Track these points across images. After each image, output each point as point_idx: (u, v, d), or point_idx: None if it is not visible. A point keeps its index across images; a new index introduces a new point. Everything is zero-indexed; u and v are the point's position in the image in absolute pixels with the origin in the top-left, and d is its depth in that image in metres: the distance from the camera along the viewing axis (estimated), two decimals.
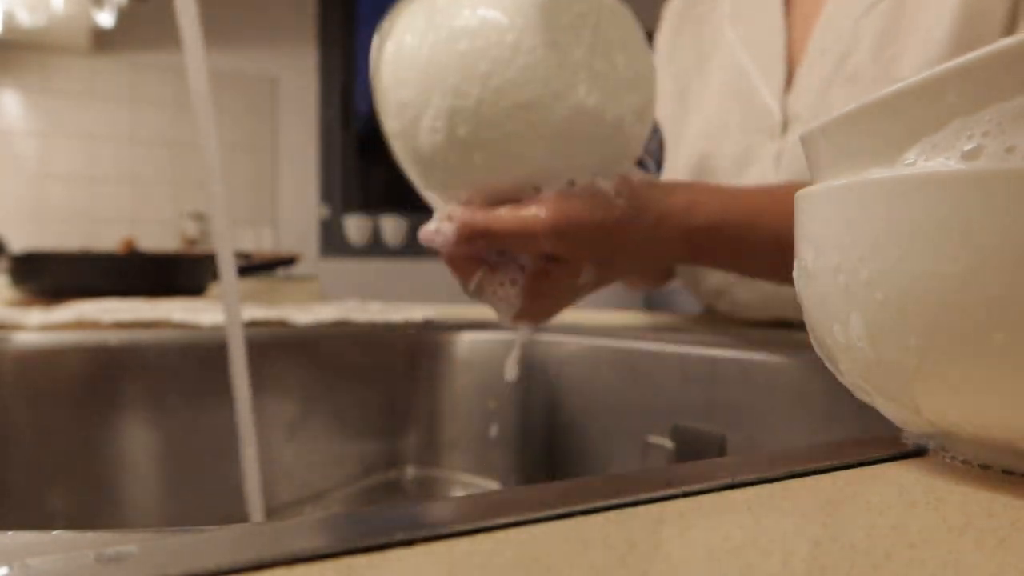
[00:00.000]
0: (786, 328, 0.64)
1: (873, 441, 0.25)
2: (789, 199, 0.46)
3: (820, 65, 0.59)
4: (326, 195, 3.13)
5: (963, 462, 0.23)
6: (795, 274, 0.25)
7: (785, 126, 0.60)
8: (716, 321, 0.71)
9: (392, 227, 3.19)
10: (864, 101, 0.22)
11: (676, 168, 0.69)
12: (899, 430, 0.26)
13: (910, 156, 0.21)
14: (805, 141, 0.25)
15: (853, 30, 0.57)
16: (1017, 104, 0.18)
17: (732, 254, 0.50)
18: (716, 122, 0.65)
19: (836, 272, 0.22)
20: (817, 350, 0.25)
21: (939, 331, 0.19)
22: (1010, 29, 0.52)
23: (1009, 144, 0.18)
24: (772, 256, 0.47)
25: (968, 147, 0.19)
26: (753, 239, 0.47)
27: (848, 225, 0.22)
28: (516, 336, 0.53)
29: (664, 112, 0.71)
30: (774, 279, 0.53)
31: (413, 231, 3.27)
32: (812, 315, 0.24)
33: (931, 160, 0.20)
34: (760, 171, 0.61)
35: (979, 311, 0.19)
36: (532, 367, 0.79)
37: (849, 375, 0.24)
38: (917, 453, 0.24)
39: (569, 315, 0.85)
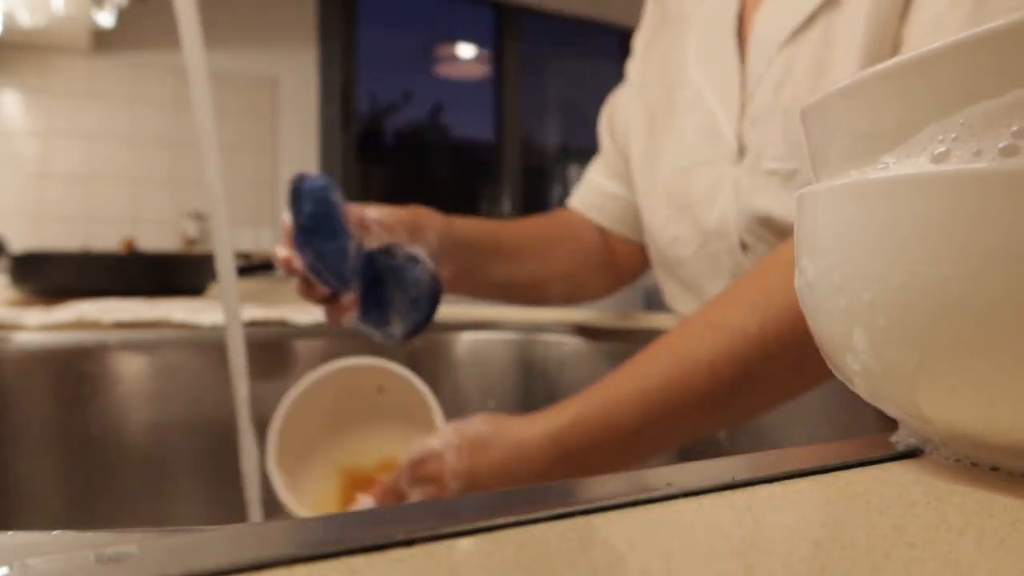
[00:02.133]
0: None
1: (873, 441, 0.25)
2: (655, 355, 0.47)
3: (760, 93, 0.60)
4: None
5: (963, 462, 0.23)
6: (796, 283, 0.25)
7: (740, 154, 0.61)
8: None
9: None
10: (831, 101, 0.22)
11: (653, 201, 0.70)
12: (899, 430, 0.26)
13: (888, 159, 0.21)
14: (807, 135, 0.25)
15: (781, 57, 0.58)
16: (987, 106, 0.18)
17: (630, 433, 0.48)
18: (689, 157, 0.66)
19: (834, 275, 0.22)
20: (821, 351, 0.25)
21: (938, 332, 0.19)
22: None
23: (977, 148, 0.19)
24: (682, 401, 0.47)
25: (940, 150, 0.19)
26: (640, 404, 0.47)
27: (839, 229, 0.22)
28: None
29: (637, 146, 0.73)
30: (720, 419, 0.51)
31: None
32: (813, 318, 0.24)
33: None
34: (725, 199, 0.62)
35: (977, 312, 0.19)
36: (532, 367, 0.79)
37: (850, 375, 0.24)
38: (917, 453, 0.24)
39: (569, 315, 0.85)
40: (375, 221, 0.56)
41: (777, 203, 0.57)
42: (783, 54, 0.58)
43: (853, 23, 0.53)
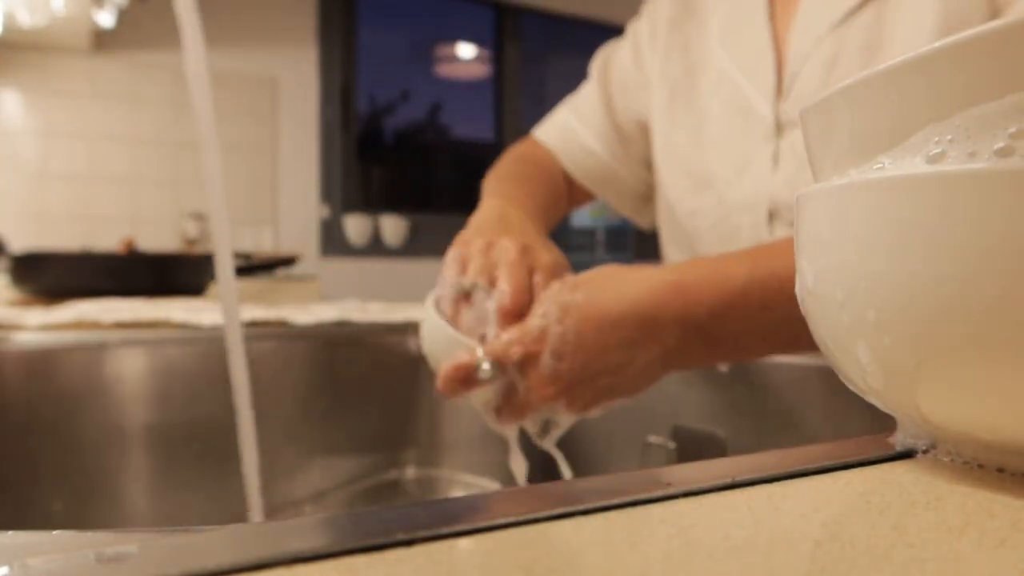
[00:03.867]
0: None
1: (873, 441, 0.25)
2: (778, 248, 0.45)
3: (807, 72, 0.60)
4: (326, 195, 3.13)
5: (963, 462, 0.23)
6: (796, 287, 0.25)
7: (780, 130, 0.62)
8: None
9: (392, 227, 3.19)
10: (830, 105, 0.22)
11: (673, 176, 0.71)
12: (898, 430, 0.26)
13: (884, 160, 0.21)
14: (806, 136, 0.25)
15: (833, 38, 0.59)
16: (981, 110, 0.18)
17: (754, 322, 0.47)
18: (713, 135, 0.67)
19: (833, 275, 0.22)
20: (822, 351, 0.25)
21: (937, 332, 0.19)
22: None
23: (972, 149, 0.19)
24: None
25: (936, 151, 0.19)
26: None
27: (836, 230, 0.22)
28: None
29: (657, 125, 0.73)
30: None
31: (413, 231, 3.27)
32: (812, 317, 0.25)
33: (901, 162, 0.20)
34: (758, 171, 0.63)
35: (975, 312, 0.19)
36: None
37: (850, 375, 0.24)
38: (917, 453, 0.24)
39: None
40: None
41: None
42: (835, 34, 0.59)
43: (917, 2, 0.54)
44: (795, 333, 0.46)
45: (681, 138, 0.70)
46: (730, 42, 0.67)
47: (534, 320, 0.46)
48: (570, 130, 0.79)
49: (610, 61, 0.79)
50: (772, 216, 0.62)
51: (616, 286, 0.46)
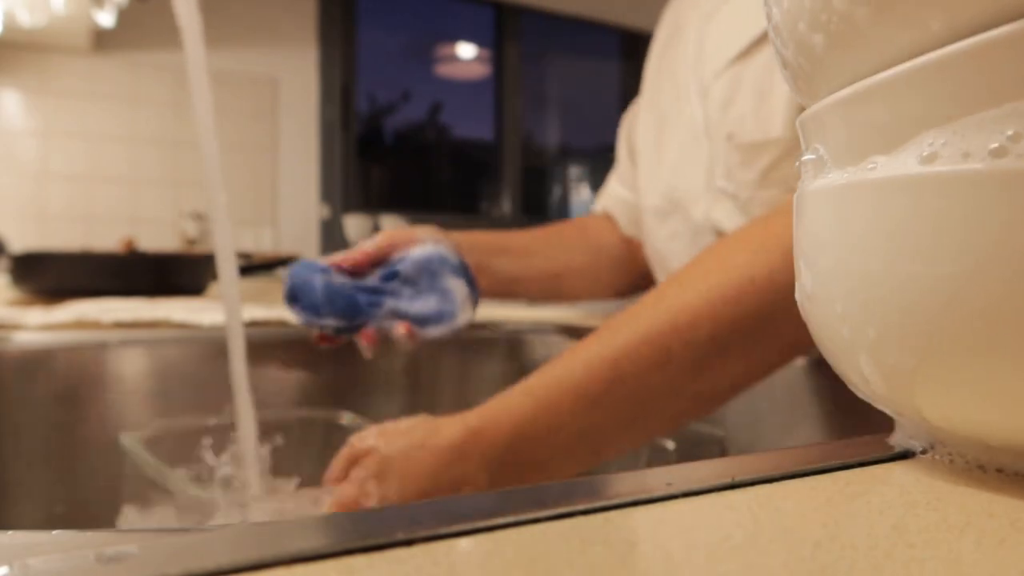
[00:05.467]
0: None
1: (873, 441, 0.25)
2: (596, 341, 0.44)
3: (709, 107, 0.60)
4: (326, 195, 3.13)
5: (963, 462, 0.23)
6: (796, 290, 0.25)
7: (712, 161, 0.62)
8: None
9: (392, 227, 3.19)
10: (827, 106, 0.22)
11: (652, 197, 0.71)
12: (896, 430, 0.26)
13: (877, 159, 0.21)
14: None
15: (728, 74, 0.59)
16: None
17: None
18: (682, 156, 0.66)
19: (831, 275, 0.22)
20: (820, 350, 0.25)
21: (936, 333, 0.19)
22: None
23: (966, 150, 0.19)
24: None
25: (928, 152, 0.19)
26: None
27: (833, 230, 0.22)
28: None
29: (645, 152, 0.73)
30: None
31: None
32: (813, 319, 0.24)
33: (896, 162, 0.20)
34: (708, 197, 0.62)
35: (973, 312, 0.19)
36: (532, 367, 0.79)
37: (850, 376, 0.24)
38: (917, 453, 0.24)
39: (564, 316, 0.85)
40: (359, 262, 0.56)
41: (727, 220, 0.58)
42: (730, 72, 0.58)
43: None
44: (664, 402, 0.43)
45: (663, 162, 0.69)
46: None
47: (349, 487, 0.45)
48: (609, 189, 0.81)
49: (632, 122, 0.81)
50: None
51: (423, 439, 0.45)
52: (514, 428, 0.44)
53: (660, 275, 0.73)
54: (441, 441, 0.44)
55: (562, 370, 0.45)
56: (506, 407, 0.45)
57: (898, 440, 0.25)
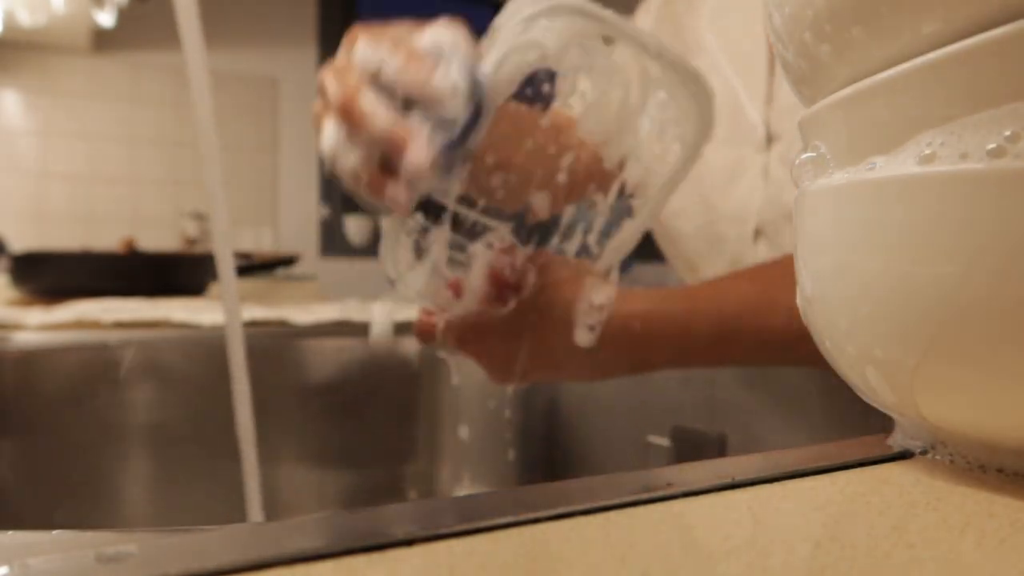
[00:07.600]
0: None
1: (873, 441, 0.25)
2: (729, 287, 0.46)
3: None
4: (326, 195, 3.13)
5: (963, 462, 0.23)
6: (798, 294, 0.25)
7: (769, 141, 0.59)
8: None
9: (392, 226, 3.19)
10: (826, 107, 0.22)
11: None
12: (896, 430, 0.26)
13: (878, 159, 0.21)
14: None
15: None
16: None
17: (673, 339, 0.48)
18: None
19: (831, 277, 0.22)
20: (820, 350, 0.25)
21: (935, 333, 0.19)
22: None
23: (964, 150, 0.19)
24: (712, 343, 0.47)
25: (927, 152, 0.19)
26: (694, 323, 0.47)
27: (833, 230, 0.22)
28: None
29: None
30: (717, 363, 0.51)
31: None
32: (812, 319, 0.24)
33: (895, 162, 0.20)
34: (749, 183, 0.60)
35: (971, 312, 0.19)
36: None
37: (849, 376, 0.24)
38: (916, 453, 0.24)
39: None
40: None
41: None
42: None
43: None
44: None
45: None
46: (720, 28, 0.62)
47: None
48: None
49: None
50: (758, 233, 0.60)
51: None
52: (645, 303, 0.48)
53: (668, 248, 0.71)
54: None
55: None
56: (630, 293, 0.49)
57: (898, 440, 0.25)
